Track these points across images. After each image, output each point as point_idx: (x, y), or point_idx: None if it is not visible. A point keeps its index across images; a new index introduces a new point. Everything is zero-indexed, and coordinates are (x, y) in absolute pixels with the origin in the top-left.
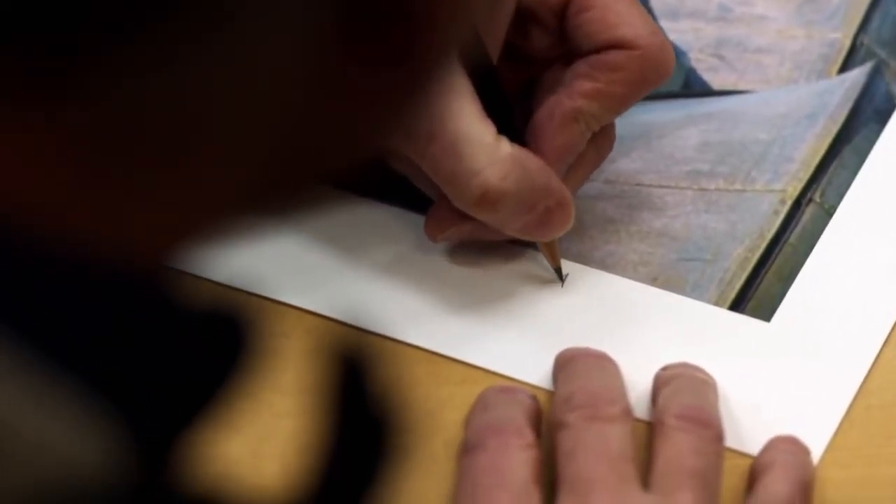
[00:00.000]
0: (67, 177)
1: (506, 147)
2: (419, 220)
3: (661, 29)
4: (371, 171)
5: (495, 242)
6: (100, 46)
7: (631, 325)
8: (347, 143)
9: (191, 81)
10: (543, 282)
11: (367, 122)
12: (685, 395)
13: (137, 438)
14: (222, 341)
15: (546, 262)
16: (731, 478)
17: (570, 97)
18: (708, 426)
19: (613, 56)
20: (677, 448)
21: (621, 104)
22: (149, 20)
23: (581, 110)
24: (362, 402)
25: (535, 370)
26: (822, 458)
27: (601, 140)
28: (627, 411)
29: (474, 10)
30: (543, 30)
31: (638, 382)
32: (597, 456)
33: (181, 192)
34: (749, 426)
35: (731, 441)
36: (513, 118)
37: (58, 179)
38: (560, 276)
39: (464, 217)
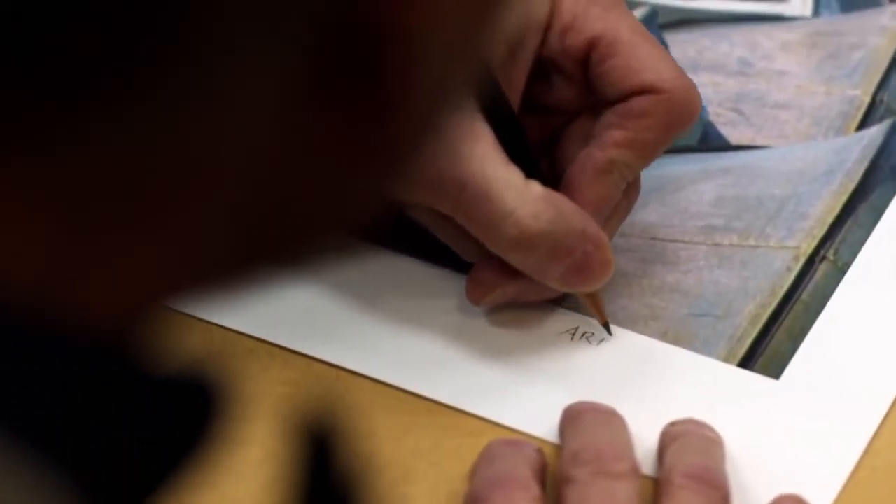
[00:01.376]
0: (32, 240)
1: (537, 188)
2: (429, 270)
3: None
4: (381, 224)
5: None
6: (65, 108)
7: (639, 379)
8: (331, 205)
9: (161, 142)
10: (552, 336)
11: (348, 187)
12: (692, 453)
13: None
14: (189, 408)
15: (572, 314)
16: None
17: (602, 149)
18: (715, 486)
19: (640, 102)
20: None
21: (653, 150)
22: (117, 81)
23: (614, 161)
24: (327, 477)
25: (541, 423)
26: None
27: (630, 190)
28: (635, 468)
29: (462, 75)
30: (567, 80)
31: (645, 438)
32: None
33: (151, 256)
34: (755, 484)
35: (736, 498)
36: (539, 166)
37: (22, 243)
38: (608, 330)
39: (507, 278)
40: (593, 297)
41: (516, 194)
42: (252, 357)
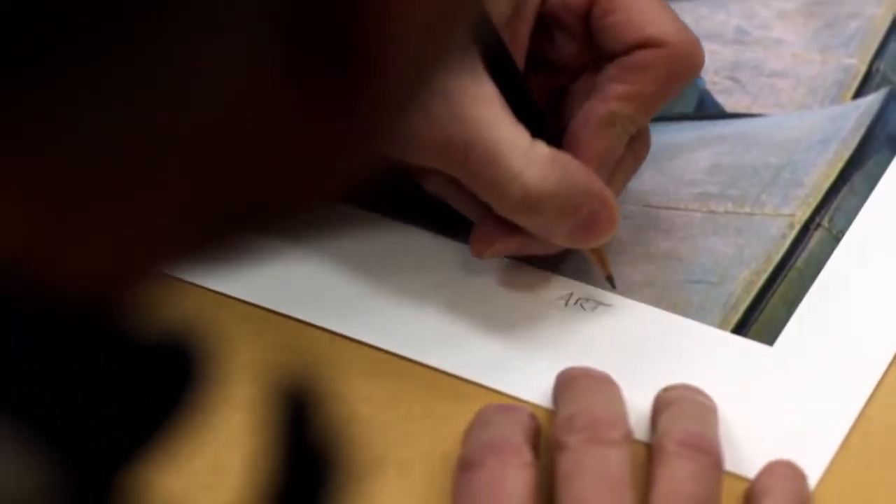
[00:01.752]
0: (10, 213)
1: (543, 149)
2: (426, 238)
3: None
4: (375, 191)
5: (503, 261)
6: (35, 80)
7: (633, 345)
8: (310, 177)
9: (134, 120)
10: (546, 302)
11: (327, 159)
12: (686, 420)
13: (74, 474)
14: (169, 374)
15: (563, 284)
16: (729, 501)
17: (604, 101)
18: (708, 453)
19: (642, 56)
20: (677, 475)
21: (655, 103)
22: (88, 49)
23: (616, 114)
24: (306, 440)
25: (535, 388)
26: (820, 484)
27: (638, 144)
28: (628, 435)
29: (445, 46)
30: (569, 35)
31: (639, 403)
32: (596, 479)
33: (133, 226)
34: (748, 449)
35: (729, 464)
36: (545, 124)
37: (5, 212)
38: (612, 284)
39: (510, 231)
40: (598, 252)
41: (522, 156)
42: (246, 322)
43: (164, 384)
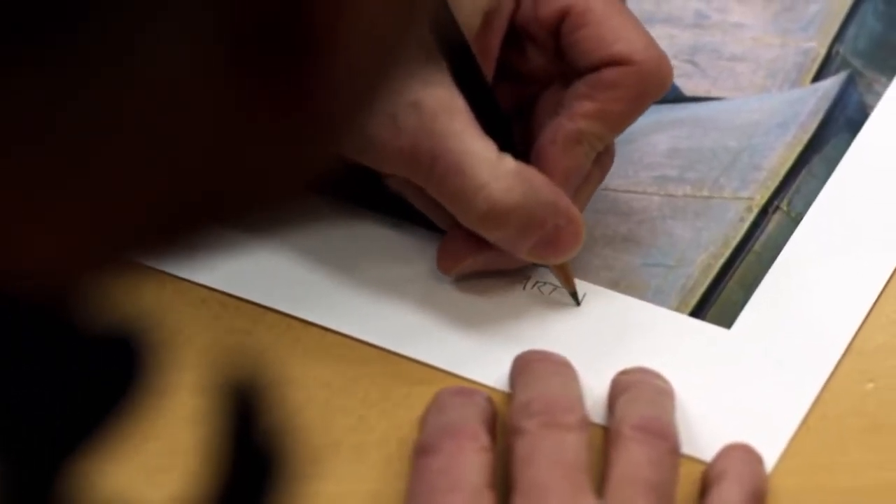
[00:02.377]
0: None
1: (509, 163)
2: (380, 222)
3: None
4: (332, 184)
5: None
6: None
7: (590, 328)
8: (261, 173)
9: (86, 102)
10: (503, 284)
11: (276, 158)
12: (643, 404)
13: (16, 466)
14: (115, 365)
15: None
16: (685, 484)
17: (572, 119)
18: (664, 438)
19: (610, 74)
20: (633, 460)
21: (623, 122)
22: (33, 38)
23: (583, 132)
24: (252, 434)
25: (491, 372)
26: (777, 467)
27: (604, 158)
28: (585, 420)
29: (397, 45)
30: (539, 48)
31: (596, 386)
32: (552, 464)
33: (85, 216)
34: (705, 433)
35: (686, 447)
36: (512, 137)
37: None
38: (576, 300)
39: (477, 248)
40: (563, 268)
41: (489, 168)
42: (204, 306)
43: (108, 375)
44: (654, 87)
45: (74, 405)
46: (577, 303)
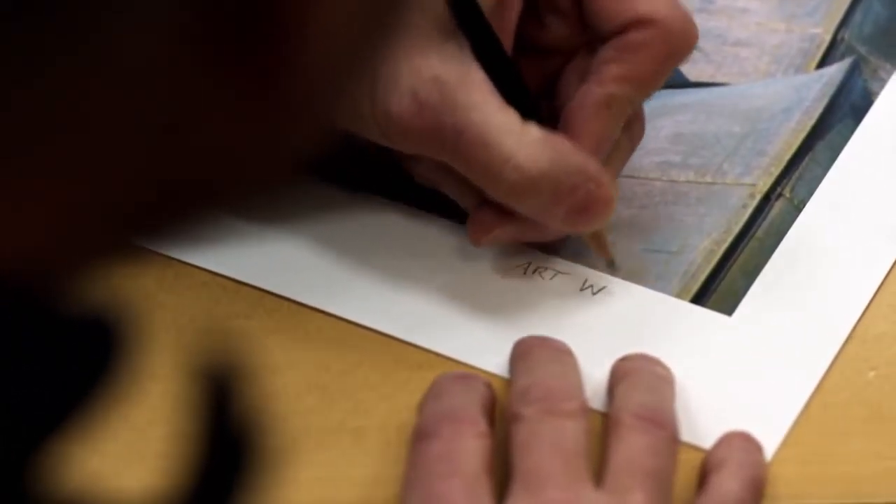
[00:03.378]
0: None
1: (534, 131)
2: (387, 207)
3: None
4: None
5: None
6: None
7: (591, 314)
8: (235, 158)
9: (59, 84)
10: (504, 269)
11: (252, 140)
12: (642, 392)
13: None
14: (91, 349)
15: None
16: (684, 472)
17: (601, 84)
18: (663, 426)
19: (637, 36)
20: (632, 448)
21: (652, 83)
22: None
23: (613, 95)
24: (226, 420)
25: (491, 357)
26: (777, 455)
27: (634, 127)
28: (584, 407)
29: (362, 29)
30: (561, 17)
31: (595, 372)
32: (551, 451)
33: (65, 201)
34: (705, 420)
35: (685, 434)
36: (537, 107)
37: None
38: (614, 268)
39: (507, 218)
40: (597, 236)
41: (514, 138)
42: (204, 290)
43: (83, 360)
44: (682, 45)
45: (48, 388)
46: (616, 270)
